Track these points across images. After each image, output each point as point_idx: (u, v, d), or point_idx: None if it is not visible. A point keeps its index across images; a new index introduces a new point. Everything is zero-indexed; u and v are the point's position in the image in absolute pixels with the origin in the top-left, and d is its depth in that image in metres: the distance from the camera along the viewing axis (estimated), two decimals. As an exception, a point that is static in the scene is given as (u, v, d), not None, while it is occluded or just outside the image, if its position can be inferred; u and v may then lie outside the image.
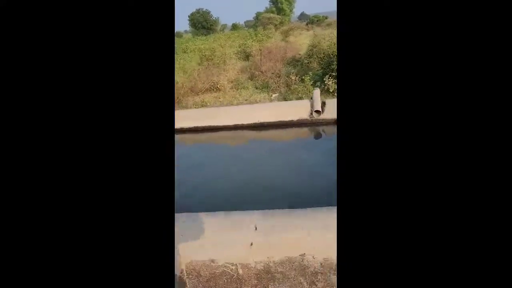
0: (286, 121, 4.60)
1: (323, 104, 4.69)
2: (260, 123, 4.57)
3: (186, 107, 5.98)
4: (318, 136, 4.67)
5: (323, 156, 3.83)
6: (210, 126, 4.73)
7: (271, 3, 30.76)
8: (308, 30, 19.12)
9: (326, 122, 4.59)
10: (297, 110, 4.66)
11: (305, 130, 4.66)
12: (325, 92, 5.77)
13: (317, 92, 5.12)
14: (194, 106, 6.00)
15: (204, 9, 28.77)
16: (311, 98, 4.89)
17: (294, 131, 4.62)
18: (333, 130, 4.53)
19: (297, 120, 4.61)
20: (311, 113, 4.65)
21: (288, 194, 3.01)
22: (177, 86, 6.54)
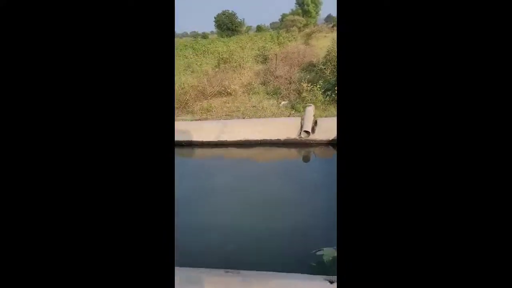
0: (272, 139, 4.29)
1: (315, 123, 4.40)
2: (245, 140, 4.29)
3: (192, 112, 5.94)
4: (306, 159, 4.28)
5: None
6: (188, 141, 4.45)
7: (297, 5, 30.40)
8: (332, 32, 18.61)
9: (317, 143, 4.24)
10: (286, 128, 4.32)
11: (292, 151, 4.29)
12: (334, 102, 5.50)
13: (309, 109, 4.78)
14: (200, 111, 5.94)
15: (230, 11, 29.00)
16: (304, 116, 4.56)
17: (278, 152, 4.26)
18: (325, 152, 4.19)
19: (285, 139, 4.25)
20: (300, 133, 4.33)
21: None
22: (187, 89, 6.53)
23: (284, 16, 29.12)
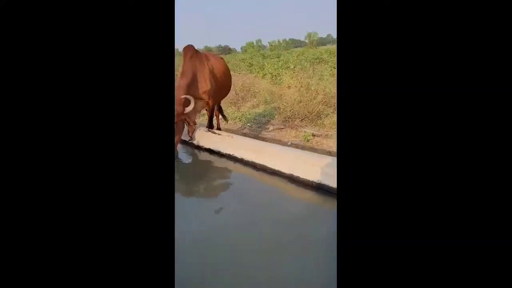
0: (298, 177, 2.81)
1: None
2: (272, 169, 3.05)
3: (321, 125, 5.21)
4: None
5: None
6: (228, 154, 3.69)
7: None
8: None
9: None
10: (325, 164, 2.71)
11: (325, 199, 2.55)
12: None
13: None
14: (329, 125, 5.11)
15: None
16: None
17: (299, 193, 2.70)
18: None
19: (308, 179, 2.75)
20: None
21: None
22: (322, 98, 5.83)
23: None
